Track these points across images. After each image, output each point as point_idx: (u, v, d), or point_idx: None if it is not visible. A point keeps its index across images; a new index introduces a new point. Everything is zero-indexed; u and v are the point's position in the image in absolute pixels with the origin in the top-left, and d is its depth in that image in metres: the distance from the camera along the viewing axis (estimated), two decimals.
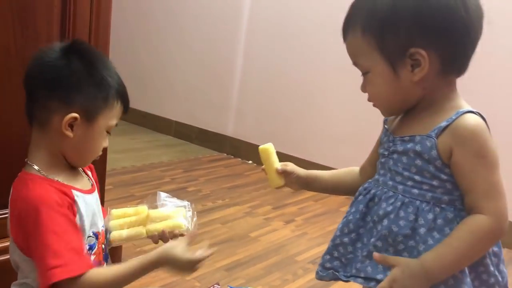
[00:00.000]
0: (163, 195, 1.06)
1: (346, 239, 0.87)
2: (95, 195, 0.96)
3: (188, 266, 0.90)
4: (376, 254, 0.80)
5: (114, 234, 0.99)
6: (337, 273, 0.88)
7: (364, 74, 0.85)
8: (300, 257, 1.82)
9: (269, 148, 1.01)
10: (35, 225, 0.79)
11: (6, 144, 1.06)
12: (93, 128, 0.87)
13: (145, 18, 3.52)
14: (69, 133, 0.85)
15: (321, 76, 2.70)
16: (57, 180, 0.86)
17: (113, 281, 0.83)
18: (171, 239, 1.00)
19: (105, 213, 1.02)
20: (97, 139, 0.89)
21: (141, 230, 1.01)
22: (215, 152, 3.14)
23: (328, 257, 0.90)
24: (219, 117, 3.17)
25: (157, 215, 1.01)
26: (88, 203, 0.90)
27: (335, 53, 2.62)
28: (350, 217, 0.88)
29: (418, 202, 0.80)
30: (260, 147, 1.02)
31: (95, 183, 0.99)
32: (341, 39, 0.88)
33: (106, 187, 1.88)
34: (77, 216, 0.86)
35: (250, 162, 2.99)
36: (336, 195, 2.38)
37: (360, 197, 0.88)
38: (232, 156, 3.08)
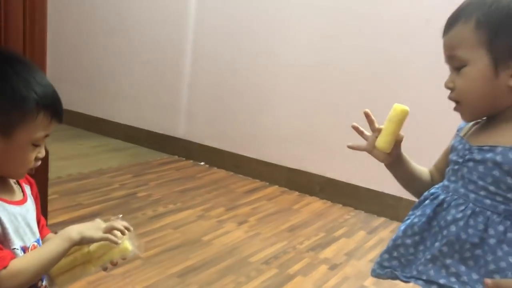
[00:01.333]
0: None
1: (408, 241, 0.88)
2: (26, 207, 0.91)
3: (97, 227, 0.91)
4: (489, 282, 0.78)
5: (61, 280, 0.92)
6: (396, 272, 0.89)
7: (458, 68, 0.82)
8: (253, 258, 1.83)
9: (407, 112, 0.92)
10: None
11: None
12: (12, 142, 0.83)
13: (90, 19, 3.41)
14: None
15: (271, 75, 2.72)
16: None
17: (37, 264, 0.83)
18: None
19: (45, 231, 0.98)
20: (19, 152, 0.85)
21: (89, 269, 0.93)
22: (166, 154, 3.09)
23: (386, 256, 0.91)
24: (169, 119, 3.13)
25: (99, 247, 0.93)
26: (12, 214, 0.86)
27: (284, 52, 2.65)
28: (415, 220, 0.88)
29: (489, 213, 0.80)
30: (398, 105, 0.92)
31: (29, 196, 0.94)
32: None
33: (51, 197, 1.83)
34: None
35: (202, 163, 2.97)
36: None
37: (427, 202, 0.88)
38: (184, 158, 3.04)
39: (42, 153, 0.89)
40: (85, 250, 0.93)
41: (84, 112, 3.37)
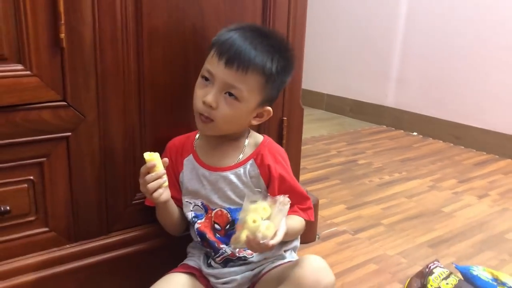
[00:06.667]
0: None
1: None
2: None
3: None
4: None
5: (234, 236, 0.85)
6: None
7: None
8: (510, 236, 1.59)
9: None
10: None
11: None
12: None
13: None
14: None
15: (495, 31, 2.36)
16: None
17: None
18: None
19: None
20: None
21: (242, 235, 0.82)
22: (373, 124, 2.96)
23: None
24: (377, 87, 2.98)
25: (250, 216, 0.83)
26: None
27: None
28: None
29: None
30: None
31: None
32: None
33: None
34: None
35: (415, 133, 2.77)
36: None
37: None
38: (393, 128, 2.87)
39: (208, 99, 0.90)
40: (244, 215, 0.83)
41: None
